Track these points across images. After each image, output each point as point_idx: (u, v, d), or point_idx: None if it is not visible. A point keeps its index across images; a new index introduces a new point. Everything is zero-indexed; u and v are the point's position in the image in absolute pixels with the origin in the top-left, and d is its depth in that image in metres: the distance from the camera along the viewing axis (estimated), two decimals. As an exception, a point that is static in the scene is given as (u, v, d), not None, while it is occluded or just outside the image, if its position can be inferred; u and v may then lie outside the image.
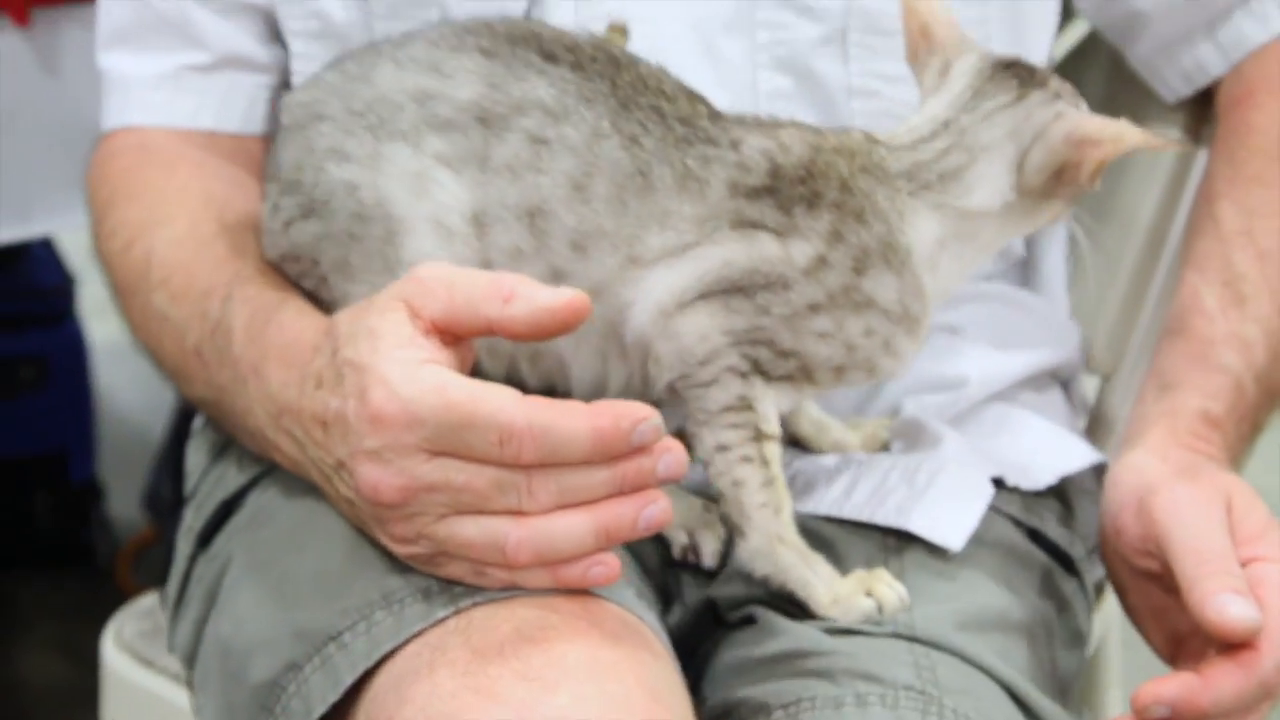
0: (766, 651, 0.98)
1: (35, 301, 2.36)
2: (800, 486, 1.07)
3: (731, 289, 0.95)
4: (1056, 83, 0.99)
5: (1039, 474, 1.11)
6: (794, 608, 0.99)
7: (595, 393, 0.98)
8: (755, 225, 0.95)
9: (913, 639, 0.97)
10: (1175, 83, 1.22)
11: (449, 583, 0.91)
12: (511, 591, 0.90)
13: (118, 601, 1.58)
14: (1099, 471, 1.15)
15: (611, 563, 0.89)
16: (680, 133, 0.96)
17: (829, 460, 1.09)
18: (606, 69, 0.97)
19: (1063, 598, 1.09)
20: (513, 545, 0.88)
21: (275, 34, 1.19)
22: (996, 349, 1.18)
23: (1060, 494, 1.14)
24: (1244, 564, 0.95)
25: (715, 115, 0.98)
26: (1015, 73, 0.99)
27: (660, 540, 1.05)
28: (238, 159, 1.18)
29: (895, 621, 0.98)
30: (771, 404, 0.96)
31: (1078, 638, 1.10)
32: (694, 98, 0.98)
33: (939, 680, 0.95)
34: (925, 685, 0.94)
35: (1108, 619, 1.40)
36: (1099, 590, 1.21)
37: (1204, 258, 1.12)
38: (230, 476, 1.11)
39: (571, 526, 0.88)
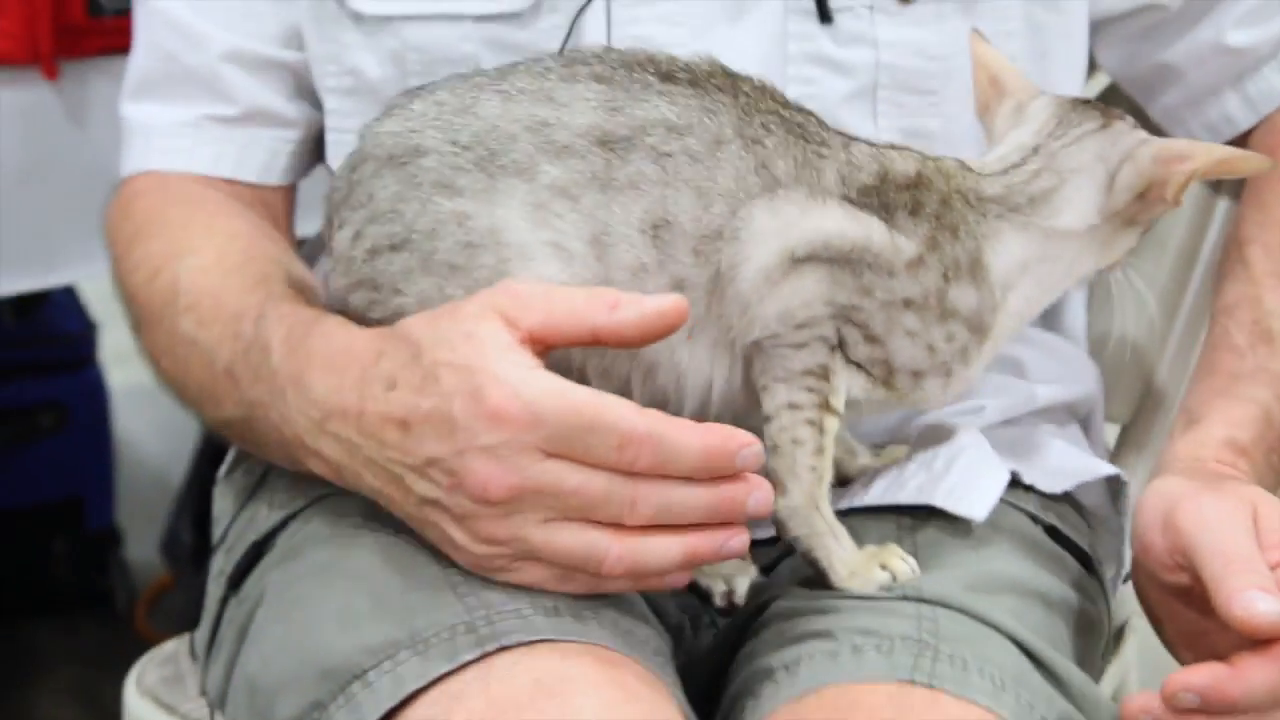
0: (776, 630, 1.00)
1: (56, 348, 2.36)
2: None
3: (839, 259, 0.97)
4: (1133, 120, 1.02)
5: (1056, 479, 1.12)
6: (812, 588, 1.01)
7: (703, 399, 1.00)
8: (865, 209, 0.98)
9: (919, 599, 0.99)
10: (1200, 135, 1.23)
11: (473, 626, 0.92)
12: (537, 635, 0.92)
13: (136, 647, 1.57)
14: (1116, 501, 1.16)
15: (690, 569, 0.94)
16: (799, 133, 0.98)
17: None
18: (725, 84, 0.99)
19: (1081, 586, 1.09)
20: (612, 560, 0.91)
21: (303, 91, 1.20)
22: (1016, 378, 1.19)
23: (1078, 510, 1.15)
24: (1272, 569, 0.94)
25: (825, 124, 1.01)
26: (1095, 106, 1.03)
27: (679, 595, 1.06)
28: (255, 208, 1.20)
29: (904, 587, 0.99)
30: (844, 382, 0.99)
31: (1096, 627, 1.09)
32: (804, 110, 1.01)
33: (940, 631, 0.96)
34: (923, 635, 0.96)
35: (1125, 666, 1.40)
36: (1118, 637, 1.21)
37: (1234, 300, 1.14)
38: (261, 518, 1.11)
39: (665, 547, 0.91)
